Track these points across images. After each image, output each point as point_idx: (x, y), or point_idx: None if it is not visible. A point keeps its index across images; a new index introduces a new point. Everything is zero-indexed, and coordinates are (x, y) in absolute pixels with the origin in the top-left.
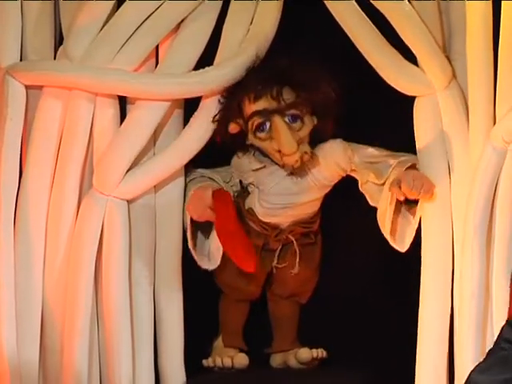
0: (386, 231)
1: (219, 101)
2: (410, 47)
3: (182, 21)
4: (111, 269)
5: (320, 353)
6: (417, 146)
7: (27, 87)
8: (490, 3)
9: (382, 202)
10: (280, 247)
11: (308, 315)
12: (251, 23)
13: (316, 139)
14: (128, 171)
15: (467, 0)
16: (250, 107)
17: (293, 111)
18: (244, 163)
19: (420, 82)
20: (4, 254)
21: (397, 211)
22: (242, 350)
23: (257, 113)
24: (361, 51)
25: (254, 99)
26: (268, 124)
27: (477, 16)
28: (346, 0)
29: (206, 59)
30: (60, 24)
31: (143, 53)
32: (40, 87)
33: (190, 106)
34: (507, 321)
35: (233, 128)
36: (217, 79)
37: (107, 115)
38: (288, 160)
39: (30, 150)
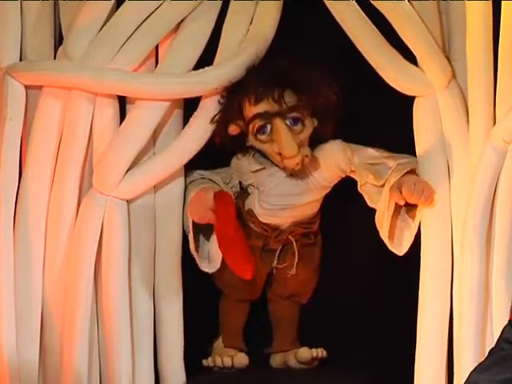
0: (384, 234)
1: (219, 101)
2: (410, 47)
3: (182, 21)
4: (111, 269)
5: (320, 352)
6: (416, 147)
7: (27, 87)
8: (490, 3)
9: (381, 205)
10: (280, 248)
11: (308, 316)
12: (251, 23)
13: (316, 140)
14: (128, 171)
15: (467, 0)
16: (251, 109)
17: (294, 114)
18: (244, 164)
19: (420, 82)
20: (4, 254)
21: (396, 214)
22: (242, 351)
23: (258, 115)
24: (361, 51)
25: (255, 101)
26: (269, 127)
27: (477, 16)
28: (345, 0)
29: (205, 59)
30: (60, 24)
31: (143, 53)
32: (40, 87)
33: (189, 106)
34: (509, 321)
35: (233, 129)
36: (216, 79)
37: (107, 115)
38: (289, 163)
39: (29, 150)
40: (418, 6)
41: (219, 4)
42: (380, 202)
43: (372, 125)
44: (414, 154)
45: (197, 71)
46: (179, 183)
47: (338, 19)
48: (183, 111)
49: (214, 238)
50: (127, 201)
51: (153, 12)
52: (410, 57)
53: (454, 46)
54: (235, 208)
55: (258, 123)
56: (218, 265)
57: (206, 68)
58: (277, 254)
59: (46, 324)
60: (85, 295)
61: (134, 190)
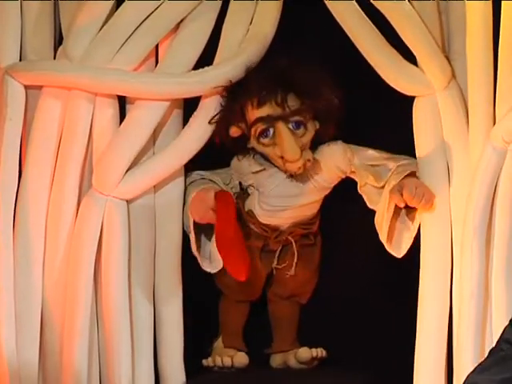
0: (383, 236)
1: (220, 103)
2: (410, 47)
3: (182, 21)
4: (111, 269)
5: (320, 352)
6: (416, 147)
7: (27, 87)
8: (490, 3)
9: (381, 207)
10: (280, 248)
11: (308, 316)
12: (251, 23)
13: (316, 141)
14: (127, 171)
15: (467, 0)
16: (254, 113)
17: (297, 118)
18: (244, 165)
19: (419, 82)
20: (3, 254)
21: (395, 215)
22: (241, 351)
23: (260, 119)
24: (361, 51)
25: (257, 105)
26: (271, 130)
27: (477, 16)
28: (346, 0)
29: (205, 59)
30: (60, 24)
31: (143, 52)
32: (39, 87)
33: (189, 106)
34: (510, 321)
35: (234, 131)
36: (216, 79)
37: (107, 115)
38: (291, 166)
39: (29, 150)
40: (418, 6)
41: (219, 4)
42: (380, 203)
43: (372, 125)
44: (413, 154)
45: (197, 71)
46: (179, 183)
47: (338, 19)
48: (183, 111)
49: (214, 238)
50: (127, 201)
51: (153, 12)
52: (410, 57)
53: (454, 45)
54: (236, 208)
55: (260, 127)
56: (219, 265)
57: (206, 68)
58: (276, 255)
59: (45, 324)
60: (85, 295)
61: (134, 189)
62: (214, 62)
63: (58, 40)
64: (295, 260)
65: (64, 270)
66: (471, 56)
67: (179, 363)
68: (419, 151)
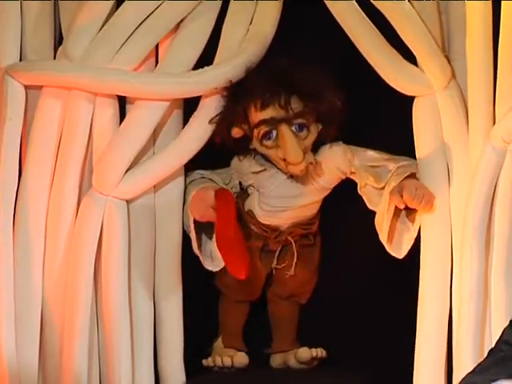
0: (383, 237)
1: (222, 104)
2: (410, 47)
3: (182, 21)
4: (111, 269)
5: (320, 352)
6: (416, 147)
7: (27, 87)
8: (490, 3)
9: (381, 208)
10: (279, 248)
11: (308, 316)
12: (251, 23)
13: (317, 143)
14: (127, 171)
15: (467, 0)
16: (257, 115)
17: (300, 120)
18: (244, 166)
19: (419, 82)
20: (3, 254)
21: (396, 217)
22: (241, 351)
23: (264, 121)
24: (361, 51)
25: (261, 107)
26: (274, 132)
27: (476, 16)
28: (346, 0)
29: (205, 59)
30: (60, 24)
31: (142, 52)
32: (39, 87)
33: (189, 106)
34: (510, 322)
35: (236, 132)
36: (216, 79)
37: (107, 115)
38: (293, 169)
39: (29, 150)
40: (418, 6)
41: (219, 4)
42: (380, 204)
43: (372, 125)
44: (413, 154)
45: (197, 71)
46: (179, 183)
47: (338, 19)
48: (183, 111)
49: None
50: (127, 201)
51: (152, 12)
52: (410, 57)
53: (454, 45)
54: (236, 206)
55: (263, 129)
56: (221, 263)
57: (206, 68)
58: (276, 255)
59: (45, 324)
60: (84, 295)
61: (134, 189)
62: (214, 62)
63: (58, 40)
64: (295, 260)
65: (64, 270)
66: (471, 56)
67: (179, 363)
68: (419, 151)
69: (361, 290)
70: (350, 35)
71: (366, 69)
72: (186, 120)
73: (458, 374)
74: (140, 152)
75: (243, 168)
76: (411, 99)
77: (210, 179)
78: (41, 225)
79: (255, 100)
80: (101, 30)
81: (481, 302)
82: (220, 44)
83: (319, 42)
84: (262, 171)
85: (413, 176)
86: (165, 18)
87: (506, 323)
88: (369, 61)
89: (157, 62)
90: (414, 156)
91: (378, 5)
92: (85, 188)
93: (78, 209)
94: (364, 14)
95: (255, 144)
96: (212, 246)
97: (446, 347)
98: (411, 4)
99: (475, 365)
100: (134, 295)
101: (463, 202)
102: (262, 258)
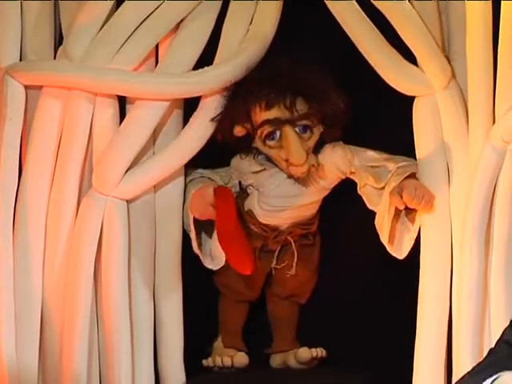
0: (384, 238)
1: (226, 101)
2: (410, 47)
3: (182, 21)
4: (111, 269)
5: (320, 352)
6: (416, 147)
7: (27, 87)
8: (490, 3)
9: (381, 209)
10: (279, 248)
11: (308, 316)
12: (251, 23)
13: (318, 143)
14: (127, 171)
15: (467, 0)
16: (261, 115)
17: (304, 122)
18: (244, 165)
19: (419, 82)
20: (3, 254)
21: (396, 217)
22: (241, 351)
23: (268, 121)
24: (361, 51)
25: (265, 107)
26: (278, 133)
27: (476, 16)
28: (346, 0)
29: (205, 59)
30: (60, 24)
31: (143, 52)
32: (39, 87)
33: (189, 106)
34: (511, 322)
35: (239, 131)
36: (216, 79)
37: (107, 115)
38: (295, 170)
39: (29, 150)
40: (418, 6)
41: (219, 4)
42: (380, 205)
43: (372, 125)
44: (413, 154)
45: (197, 71)
46: (179, 183)
47: (339, 19)
48: (183, 111)
49: (215, 235)
50: (127, 201)
51: (152, 12)
52: (410, 57)
53: (454, 45)
54: (235, 203)
55: (267, 129)
56: (221, 262)
57: (206, 68)
58: (275, 255)
59: (45, 324)
60: (84, 295)
61: (134, 189)
62: (214, 62)
63: (58, 40)
64: (295, 260)
65: (64, 271)
66: (471, 56)
67: (179, 363)
68: (419, 151)
69: (361, 290)
70: (350, 35)
71: (366, 69)
72: (186, 120)
73: (458, 374)
74: (140, 152)
75: (243, 167)
76: (411, 99)
77: (210, 178)
78: (41, 225)
79: (260, 100)
80: (101, 29)
81: (480, 301)
82: (220, 44)
83: (319, 42)
84: (261, 171)
85: (413, 176)
86: (165, 18)
87: (506, 323)
88: (369, 61)
89: (157, 62)
90: (414, 156)
91: (378, 5)
92: (85, 188)
93: (78, 209)
94: (364, 14)
95: (258, 143)
96: (212, 244)
97: (446, 347)
98: (411, 4)
99: (474, 364)
100: (134, 295)
101: (463, 202)
102: (262, 258)
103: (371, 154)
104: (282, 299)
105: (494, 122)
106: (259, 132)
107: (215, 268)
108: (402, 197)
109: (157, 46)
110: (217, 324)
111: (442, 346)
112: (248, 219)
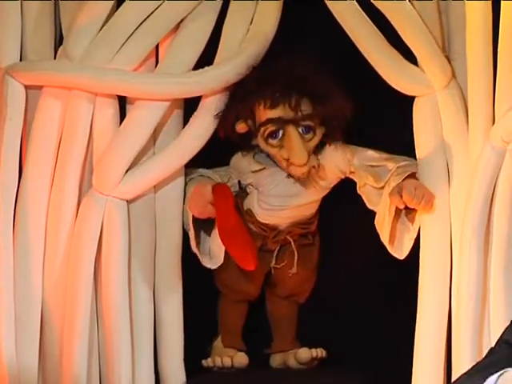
0: (384, 238)
1: (230, 96)
2: (410, 47)
3: (182, 21)
4: (111, 269)
5: (320, 352)
6: (416, 147)
7: (27, 87)
8: (490, 3)
9: (381, 209)
10: (278, 248)
11: (308, 316)
12: (251, 23)
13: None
14: (128, 171)
15: (467, 0)
16: (265, 113)
17: (308, 123)
18: (243, 164)
19: (420, 81)
20: (3, 254)
21: (396, 217)
22: (241, 351)
23: (271, 120)
24: (361, 51)
25: (270, 106)
26: (281, 132)
27: (476, 16)
28: (346, 0)
29: (205, 59)
30: (60, 24)
31: (143, 52)
32: (40, 87)
33: (189, 106)
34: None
35: (241, 128)
36: (216, 79)
37: (107, 115)
38: (296, 170)
39: (29, 150)
40: (418, 6)
41: (219, 4)
42: (380, 205)
43: (372, 125)
44: (413, 154)
45: (197, 71)
46: (179, 183)
47: (338, 19)
48: (183, 111)
49: (214, 233)
50: (127, 201)
51: (153, 12)
52: (410, 57)
53: (454, 45)
54: (234, 199)
55: (270, 128)
56: (219, 261)
57: (206, 68)
58: (275, 254)
59: (45, 325)
60: (84, 295)
61: (134, 189)
62: (215, 62)
63: (59, 40)
64: (296, 259)
65: (64, 271)
66: (471, 56)
67: (179, 363)
68: (419, 151)
69: (361, 290)
70: (350, 35)
71: (366, 69)
72: (186, 120)
73: (457, 374)
74: (140, 152)
75: (242, 167)
76: (411, 99)
77: (209, 177)
78: (41, 225)
79: (265, 98)
80: (101, 29)
81: (480, 301)
82: (220, 44)
83: (319, 42)
84: (261, 170)
85: (413, 176)
86: (165, 18)
87: (505, 323)
88: (369, 61)
89: (157, 62)
90: (414, 156)
91: (379, 5)
92: (85, 188)
93: (78, 209)
94: (364, 14)
95: (259, 141)
96: (211, 242)
97: (446, 347)
98: (411, 4)
99: (473, 364)
100: (134, 295)
101: (463, 202)
102: (261, 258)
103: (371, 153)
104: (282, 299)
105: (493, 122)
106: (262, 130)
107: (213, 267)
108: (401, 196)
109: (157, 46)
110: (217, 324)
111: (441, 345)
112: (247, 218)
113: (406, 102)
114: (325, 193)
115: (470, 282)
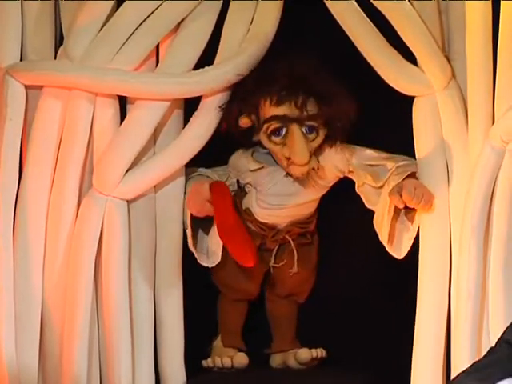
0: (383, 238)
1: (235, 90)
2: (410, 47)
3: (182, 21)
4: (111, 269)
5: (320, 352)
6: (416, 147)
7: (27, 87)
8: (490, 3)
9: (380, 208)
10: (277, 247)
11: (308, 316)
12: (251, 23)
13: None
14: (128, 171)
15: (467, 0)
16: (270, 110)
17: (312, 123)
18: (242, 163)
19: (419, 81)
20: (3, 254)
21: (395, 216)
22: (241, 350)
23: (276, 117)
24: (361, 51)
25: (276, 103)
26: (284, 130)
27: (476, 16)
28: (345, 0)
29: (205, 59)
30: (60, 24)
31: (143, 52)
32: (40, 87)
33: (189, 106)
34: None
35: (244, 122)
36: (217, 79)
37: (107, 115)
38: (296, 170)
39: (29, 150)
40: (418, 5)
41: (219, 4)
42: (379, 204)
43: (372, 125)
44: (413, 154)
45: (197, 71)
46: (179, 183)
47: (338, 19)
48: (183, 111)
49: (212, 232)
50: (127, 201)
51: (153, 12)
52: (410, 57)
53: (454, 45)
54: (232, 197)
55: (274, 125)
56: (217, 259)
57: (206, 68)
58: (274, 254)
59: (45, 325)
60: (85, 296)
61: (134, 189)
62: (215, 62)
63: (59, 40)
64: (296, 258)
65: (64, 271)
66: (471, 56)
67: (179, 363)
68: (419, 151)
69: (361, 290)
70: (350, 35)
71: (366, 69)
72: (186, 120)
73: (456, 373)
74: (140, 152)
75: (241, 166)
76: (411, 99)
77: (208, 177)
78: (41, 225)
79: (271, 94)
80: (101, 29)
81: (479, 300)
82: (220, 44)
83: (319, 42)
84: (259, 169)
85: (412, 175)
86: (165, 18)
87: (504, 322)
88: (369, 61)
89: (157, 62)
90: (413, 155)
91: (378, 5)
92: (85, 188)
93: (78, 209)
94: (364, 14)
95: (262, 137)
96: (209, 241)
97: (445, 346)
98: (411, 4)
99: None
100: (135, 295)
101: (462, 202)
102: (260, 257)
103: (370, 152)
104: (281, 298)
105: (493, 122)
106: (265, 126)
107: (210, 265)
108: (401, 196)
109: (157, 46)
110: (216, 324)
111: (440, 345)
112: (246, 218)
113: (405, 102)
114: (323, 192)
115: (469, 282)
